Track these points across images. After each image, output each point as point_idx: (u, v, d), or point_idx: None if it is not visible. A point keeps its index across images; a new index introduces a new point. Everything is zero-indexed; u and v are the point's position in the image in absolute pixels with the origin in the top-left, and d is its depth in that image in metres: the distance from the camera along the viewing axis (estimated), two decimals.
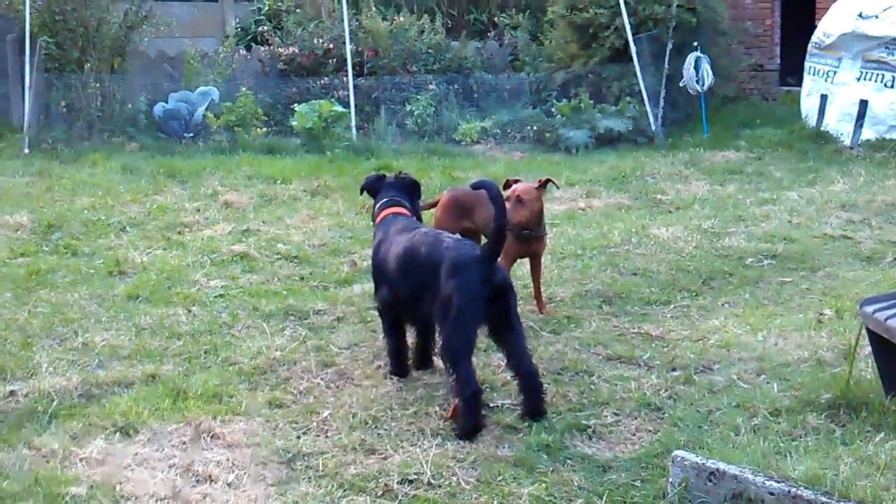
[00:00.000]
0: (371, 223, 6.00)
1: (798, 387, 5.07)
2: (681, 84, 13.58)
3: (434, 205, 6.93)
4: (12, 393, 5.21)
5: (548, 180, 6.48)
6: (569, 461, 4.49)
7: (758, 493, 3.78)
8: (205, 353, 5.87)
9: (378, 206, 5.68)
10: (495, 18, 16.94)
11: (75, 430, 4.77)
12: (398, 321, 5.48)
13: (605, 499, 4.12)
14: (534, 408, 4.89)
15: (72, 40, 13.42)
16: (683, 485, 3.99)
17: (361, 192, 6.02)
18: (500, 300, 4.87)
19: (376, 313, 5.78)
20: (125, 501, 4.14)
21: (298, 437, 4.75)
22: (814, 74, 13.36)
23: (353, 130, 13.48)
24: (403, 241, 5.25)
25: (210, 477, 4.35)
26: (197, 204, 9.78)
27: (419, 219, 5.69)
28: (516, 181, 6.42)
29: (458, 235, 5.79)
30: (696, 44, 13.41)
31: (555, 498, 4.15)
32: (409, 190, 5.80)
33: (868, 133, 12.37)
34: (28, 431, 4.76)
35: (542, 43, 15.19)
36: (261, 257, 7.92)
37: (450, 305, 4.78)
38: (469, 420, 4.72)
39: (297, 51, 15.22)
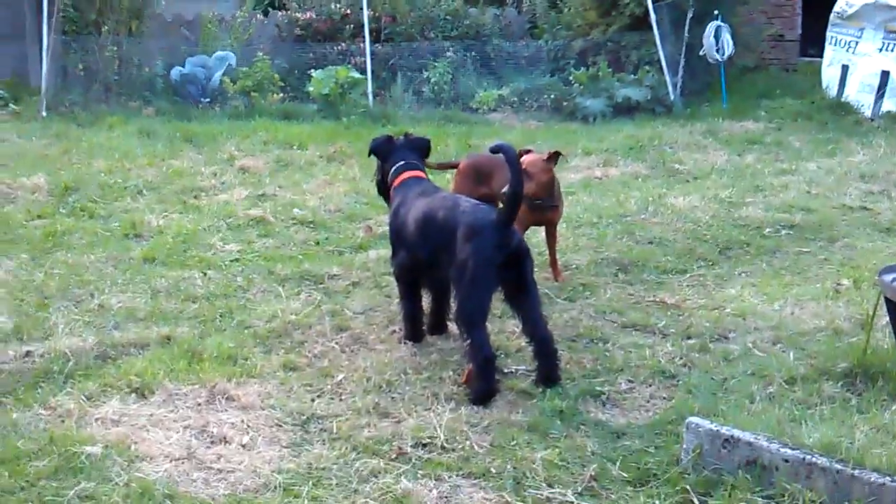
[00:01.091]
0: (375, 187, 5.97)
1: (814, 355, 5.05)
2: (700, 53, 13.45)
3: (453, 166, 6.92)
4: (28, 353, 5.24)
5: (557, 153, 6.42)
6: (582, 427, 4.48)
7: (772, 460, 3.77)
8: (220, 316, 5.88)
9: (393, 169, 5.63)
10: None
11: (91, 391, 4.79)
12: (414, 286, 5.46)
13: (618, 465, 4.11)
14: (548, 374, 4.88)
15: (89, 2, 13.40)
16: (697, 451, 3.97)
17: (370, 155, 5.92)
18: (515, 265, 4.86)
19: (392, 278, 5.77)
20: (140, 461, 4.15)
21: (313, 400, 4.76)
22: (835, 45, 13.23)
23: (370, 97, 13.44)
24: (422, 205, 5.23)
25: (224, 438, 4.36)
26: (213, 168, 9.78)
27: None
28: (527, 151, 6.37)
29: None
30: (716, 12, 13.26)
31: (568, 463, 4.14)
32: (422, 151, 5.77)
33: (889, 104, 12.26)
34: (44, 391, 4.79)
35: (561, 10, 15.07)
36: (276, 222, 7.92)
37: (465, 269, 4.77)
38: (483, 385, 4.72)
39: (314, 16, 15.16)
